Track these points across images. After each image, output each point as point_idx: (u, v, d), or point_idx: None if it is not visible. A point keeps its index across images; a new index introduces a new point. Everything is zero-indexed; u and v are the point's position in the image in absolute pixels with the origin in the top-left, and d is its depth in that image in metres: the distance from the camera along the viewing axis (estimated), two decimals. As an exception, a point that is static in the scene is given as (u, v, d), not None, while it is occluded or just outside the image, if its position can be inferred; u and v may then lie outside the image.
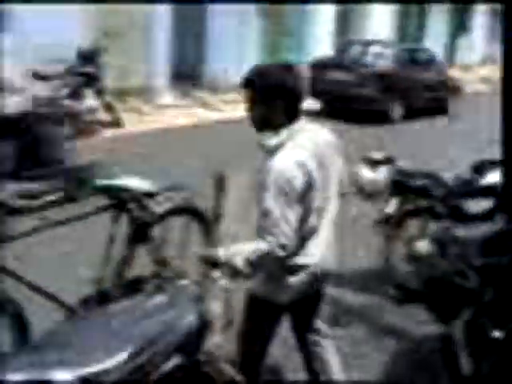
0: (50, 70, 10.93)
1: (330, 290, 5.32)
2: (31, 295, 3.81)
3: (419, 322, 4.90)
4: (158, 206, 4.29)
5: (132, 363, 2.46)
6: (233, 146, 10.12)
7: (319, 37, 18.22)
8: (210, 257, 3.13)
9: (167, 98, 13.95)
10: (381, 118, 13.77)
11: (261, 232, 3.03)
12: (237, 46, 15.76)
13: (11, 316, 3.66)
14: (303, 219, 3.09)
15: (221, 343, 2.97)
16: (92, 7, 12.46)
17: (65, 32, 11.59)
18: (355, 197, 5.48)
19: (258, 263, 3.01)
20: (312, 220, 3.15)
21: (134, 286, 4.14)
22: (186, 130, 11.76)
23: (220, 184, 3.64)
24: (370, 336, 4.78)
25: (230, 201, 3.76)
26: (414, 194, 5.29)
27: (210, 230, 4.62)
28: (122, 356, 2.45)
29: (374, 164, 5.32)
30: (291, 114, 3.11)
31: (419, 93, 14.68)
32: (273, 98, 3.07)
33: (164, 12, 13.89)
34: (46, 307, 3.97)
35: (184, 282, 3.19)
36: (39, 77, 10.80)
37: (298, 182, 2.98)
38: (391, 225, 5.34)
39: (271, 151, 3.07)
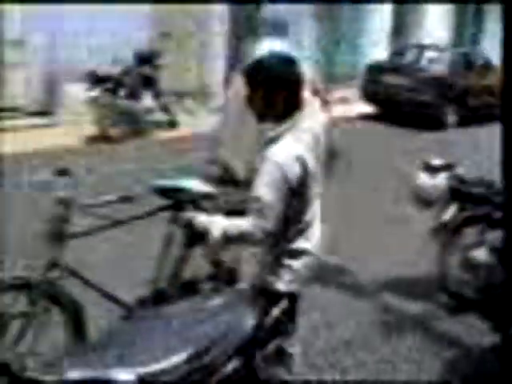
0: (108, 70, 11.09)
1: (385, 297, 5.36)
2: (90, 293, 3.86)
3: (474, 331, 4.86)
4: (216, 208, 4.30)
5: (192, 364, 2.47)
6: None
7: (375, 38, 18.05)
8: (187, 220, 3.26)
9: (222, 100, 13.97)
10: (435, 123, 13.63)
11: (248, 213, 3.07)
12: (293, 45, 15.72)
13: (70, 314, 3.72)
14: (302, 209, 3.16)
15: (278, 348, 2.97)
16: (150, 8, 12.58)
17: (123, 33, 11.72)
18: (412, 203, 5.44)
19: (233, 238, 3.09)
20: (310, 210, 3.22)
21: (189, 287, 4.17)
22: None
23: None
24: (424, 344, 4.73)
25: None
26: (472, 201, 5.22)
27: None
28: (182, 357, 2.46)
29: (433, 170, 5.26)
30: (292, 105, 3.15)
31: (475, 98, 14.48)
32: (273, 89, 3.10)
33: (222, 13, 13.92)
34: (104, 305, 4.03)
35: (241, 284, 3.18)
36: (96, 77, 10.97)
37: (293, 175, 3.03)
38: (448, 232, 5.28)
39: (270, 141, 3.11)
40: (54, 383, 2.23)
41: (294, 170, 3.03)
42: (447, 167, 5.32)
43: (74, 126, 10.96)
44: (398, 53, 15.71)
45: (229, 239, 3.09)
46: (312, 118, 3.30)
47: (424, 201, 5.30)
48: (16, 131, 10.84)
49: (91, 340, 3.66)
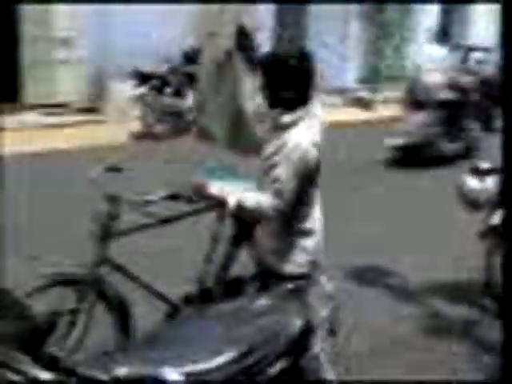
0: (153, 69, 11.18)
1: (430, 300, 5.31)
2: (136, 290, 3.89)
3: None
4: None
5: (238, 365, 2.46)
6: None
7: (421, 38, 17.85)
8: (202, 186, 3.47)
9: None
10: (483, 125, 13.44)
11: (265, 188, 3.27)
12: (339, 46, 15.65)
13: (117, 310, 3.75)
14: (313, 192, 3.36)
15: (324, 350, 2.95)
16: (197, 7, 12.63)
17: (171, 32, 11.79)
18: (459, 206, 5.36)
19: (247, 210, 3.29)
20: (316, 194, 3.42)
21: (235, 286, 4.17)
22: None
23: None
24: (468, 350, 4.67)
25: None
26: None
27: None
28: (228, 357, 2.45)
29: (481, 174, 5.18)
30: (304, 94, 3.29)
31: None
32: (285, 81, 3.25)
33: (266, 12, 13.92)
34: (150, 302, 4.05)
35: (288, 285, 3.17)
36: (142, 75, 11.07)
37: (312, 160, 3.21)
38: (495, 236, 5.19)
39: (284, 127, 3.25)
40: (102, 379, 2.24)
41: (313, 155, 3.20)
42: (495, 170, 5.23)
43: (119, 123, 11.07)
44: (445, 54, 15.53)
45: (243, 210, 3.30)
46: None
47: (472, 204, 5.22)
48: (64, 127, 11.00)
49: (137, 337, 3.69)
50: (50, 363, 2.10)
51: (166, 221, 3.93)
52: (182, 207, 3.96)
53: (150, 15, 11.68)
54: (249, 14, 4.25)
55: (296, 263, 3.33)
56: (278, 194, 3.19)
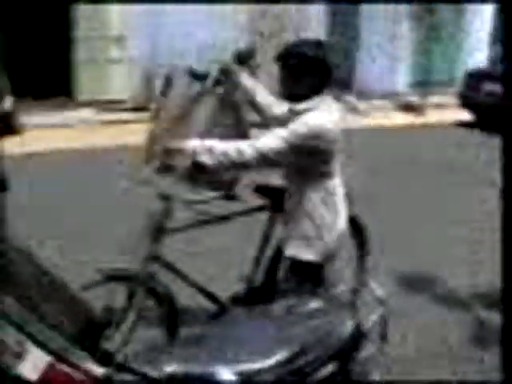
0: (206, 69, 11.23)
1: (476, 308, 5.22)
2: (184, 287, 3.92)
3: None
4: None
5: (290, 365, 2.46)
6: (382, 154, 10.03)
7: (475, 40, 17.55)
8: (175, 149, 3.39)
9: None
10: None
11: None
12: (388, 48, 15.54)
13: (166, 307, 3.78)
14: (329, 174, 3.45)
15: (374, 355, 2.93)
16: (247, 8, 12.69)
17: (222, 33, 11.85)
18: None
19: (224, 164, 3.26)
20: (336, 175, 3.52)
21: (283, 287, 4.17)
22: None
23: None
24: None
25: None
26: None
27: (365, 239, 4.60)
28: (281, 357, 2.45)
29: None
30: (320, 88, 3.40)
31: None
32: (303, 72, 3.34)
33: (318, 13, 13.89)
34: (199, 300, 4.08)
35: (339, 288, 3.16)
36: (194, 75, 11.14)
37: (316, 134, 3.25)
38: None
39: (300, 113, 3.36)
40: (153, 376, 2.26)
41: (320, 131, 3.25)
42: None
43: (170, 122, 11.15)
44: (497, 59, 15.28)
45: (224, 163, 3.27)
46: None
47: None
48: (115, 125, 11.14)
49: (185, 335, 3.71)
50: (104, 358, 2.12)
51: (217, 220, 3.95)
52: (234, 207, 3.98)
53: (201, 15, 11.76)
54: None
55: (313, 251, 3.49)
56: (262, 141, 3.27)
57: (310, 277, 3.52)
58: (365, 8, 15.23)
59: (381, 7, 15.01)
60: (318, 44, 3.41)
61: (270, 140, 3.27)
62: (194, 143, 3.34)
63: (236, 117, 3.98)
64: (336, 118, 3.39)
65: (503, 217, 3.32)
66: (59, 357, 2.03)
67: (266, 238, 4.09)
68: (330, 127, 3.29)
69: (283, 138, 3.25)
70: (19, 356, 2.07)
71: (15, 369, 2.08)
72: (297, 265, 3.55)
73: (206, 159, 3.26)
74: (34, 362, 2.05)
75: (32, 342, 2.05)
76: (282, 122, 3.50)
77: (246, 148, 3.25)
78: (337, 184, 3.55)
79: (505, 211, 3.30)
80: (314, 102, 3.36)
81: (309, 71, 3.34)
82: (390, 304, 3.14)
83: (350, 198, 4.27)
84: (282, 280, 3.76)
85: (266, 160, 3.25)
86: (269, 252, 4.16)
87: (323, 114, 3.31)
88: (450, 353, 4.58)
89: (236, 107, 4.02)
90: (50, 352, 2.04)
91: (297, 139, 3.24)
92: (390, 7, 15.24)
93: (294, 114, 3.39)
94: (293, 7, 13.35)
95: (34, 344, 2.05)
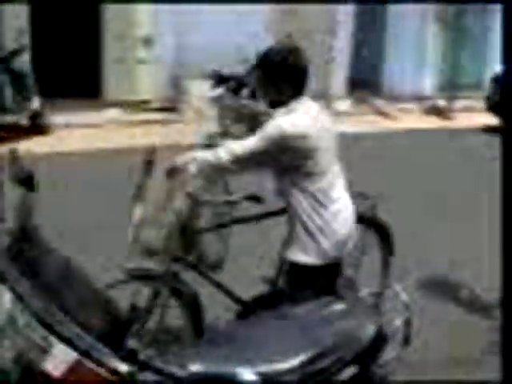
0: (231, 69, 11.26)
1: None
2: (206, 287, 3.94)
3: None
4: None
5: (312, 367, 2.47)
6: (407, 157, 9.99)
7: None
8: (171, 166, 3.56)
9: (343, 104, 13.89)
10: None
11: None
12: (416, 50, 15.45)
13: (190, 306, 3.80)
14: (316, 174, 3.45)
15: (396, 358, 2.93)
16: (275, 8, 12.70)
17: (248, 32, 11.88)
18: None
19: (206, 166, 3.47)
20: (326, 177, 3.51)
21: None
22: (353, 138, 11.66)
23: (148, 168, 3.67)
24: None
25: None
26: None
27: (388, 240, 4.59)
28: (301, 359, 2.47)
29: None
30: (297, 91, 3.51)
31: None
32: (278, 78, 3.46)
33: (346, 13, 13.84)
34: (221, 301, 4.09)
35: (363, 291, 3.17)
36: (220, 77, 11.15)
37: (286, 134, 3.33)
38: None
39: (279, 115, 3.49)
40: (177, 374, 2.28)
41: (292, 134, 3.33)
42: None
43: (195, 123, 11.21)
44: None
45: (201, 168, 3.46)
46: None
47: None
48: (142, 125, 11.21)
49: (209, 334, 3.73)
50: (129, 356, 2.15)
51: (242, 221, 3.97)
52: (259, 208, 3.99)
53: (227, 15, 11.79)
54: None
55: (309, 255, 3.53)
56: (237, 145, 3.44)
57: (310, 280, 3.54)
58: (392, 8, 15.14)
59: (409, 7, 14.92)
60: (292, 50, 3.51)
61: (244, 143, 3.45)
62: (183, 157, 3.55)
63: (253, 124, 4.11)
64: (315, 118, 3.49)
65: (503, 218, 3.31)
66: (85, 354, 2.06)
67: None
68: (303, 126, 3.38)
69: (255, 139, 3.41)
70: (45, 352, 2.11)
71: (41, 365, 2.13)
72: (295, 268, 3.60)
73: (191, 168, 3.47)
74: (59, 359, 2.09)
75: (58, 339, 2.09)
76: None
77: (222, 153, 3.43)
78: (331, 187, 3.56)
79: (505, 212, 3.28)
80: (292, 106, 3.47)
81: (284, 77, 3.45)
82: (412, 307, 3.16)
83: (365, 198, 4.30)
84: (284, 283, 3.79)
85: (241, 162, 3.42)
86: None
87: (297, 115, 3.42)
88: (471, 357, 4.56)
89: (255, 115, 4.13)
90: (75, 349, 2.07)
91: (267, 140, 3.37)
92: (418, 8, 15.14)
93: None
94: (322, 7, 13.33)
95: (59, 341, 2.08)
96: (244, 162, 3.43)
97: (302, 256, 3.54)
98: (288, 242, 3.67)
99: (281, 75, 3.44)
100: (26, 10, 10.95)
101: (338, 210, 3.56)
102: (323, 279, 3.56)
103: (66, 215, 6.46)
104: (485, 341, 4.80)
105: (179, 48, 11.91)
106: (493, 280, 5.60)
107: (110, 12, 11.83)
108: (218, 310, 4.21)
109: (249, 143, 3.43)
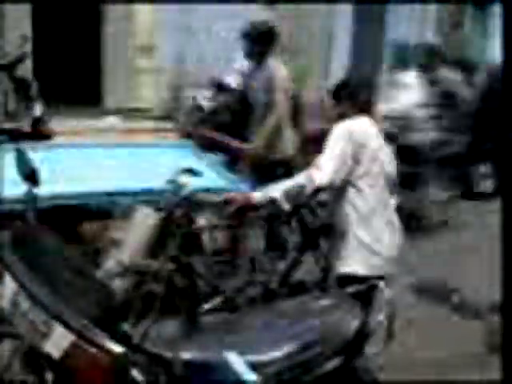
0: (231, 79, 11.33)
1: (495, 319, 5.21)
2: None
3: None
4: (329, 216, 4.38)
5: (294, 359, 2.58)
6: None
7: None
8: (246, 198, 3.65)
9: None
10: None
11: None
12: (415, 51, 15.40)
13: (186, 299, 3.87)
14: (371, 185, 3.59)
15: (378, 353, 3.02)
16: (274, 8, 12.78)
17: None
18: None
19: (293, 197, 3.52)
20: (378, 190, 3.63)
21: (298, 290, 4.27)
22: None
23: None
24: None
25: None
26: None
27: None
28: (286, 351, 2.57)
29: None
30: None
31: None
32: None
33: (345, 13, 13.86)
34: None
35: (348, 290, 3.27)
36: (219, 85, 11.21)
37: (358, 142, 3.54)
38: None
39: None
40: (168, 359, 2.39)
41: (362, 138, 3.56)
42: None
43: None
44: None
45: (289, 198, 3.51)
46: None
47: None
48: (142, 133, 11.30)
49: (201, 325, 3.80)
50: (122, 339, 2.27)
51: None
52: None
53: (229, 23, 11.87)
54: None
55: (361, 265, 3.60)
56: (315, 168, 3.54)
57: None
58: (391, 8, 15.04)
59: (411, 7, 14.89)
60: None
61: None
62: (261, 196, 3.64)
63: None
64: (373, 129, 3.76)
65: (503, 223, 3.38)
66: (81, 336, 2.19)
67: (283, 243, 4.21)
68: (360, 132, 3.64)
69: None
70: (46, 335, 2.25)
71: (41, 347, 2.26)
72: (341, 279, 3.69)
73: (285, 205, 3.55)
74: (58, 341, 2.22)
75: (57, 321, 2.22)
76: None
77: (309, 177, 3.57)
78: (378, 208, 3.67)
79: (505, 215, 3.34)
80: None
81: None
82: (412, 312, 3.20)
83: None
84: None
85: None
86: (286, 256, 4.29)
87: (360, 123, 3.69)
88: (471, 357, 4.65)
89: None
90: (72, 331, 2.20)
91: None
92: (417, 9, 15.15)
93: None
94: (320, 7, 13.26)
95: (59, 324, 2.21)
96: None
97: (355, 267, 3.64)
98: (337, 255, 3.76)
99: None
100: (29, 17, 11.06)
101: (384, 231, 3.69)
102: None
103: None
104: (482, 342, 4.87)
105: (179, 57, 12.01)
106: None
107: (111, 21, 11.94)
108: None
109: (329, 165, 3.54)
